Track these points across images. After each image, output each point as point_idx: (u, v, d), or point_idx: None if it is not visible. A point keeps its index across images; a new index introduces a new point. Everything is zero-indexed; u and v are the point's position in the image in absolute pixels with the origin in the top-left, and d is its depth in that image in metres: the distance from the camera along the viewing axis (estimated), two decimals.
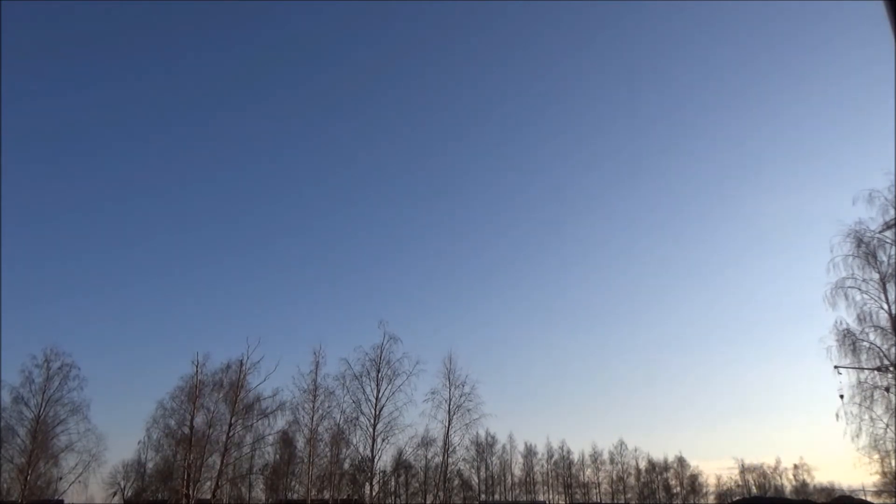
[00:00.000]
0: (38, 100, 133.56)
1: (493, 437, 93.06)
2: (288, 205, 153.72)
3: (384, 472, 57.86)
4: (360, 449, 41.51)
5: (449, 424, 42.04)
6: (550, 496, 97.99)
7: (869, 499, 52.46)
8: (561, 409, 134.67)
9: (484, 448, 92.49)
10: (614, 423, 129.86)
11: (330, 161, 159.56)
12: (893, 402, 27.88)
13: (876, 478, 36.27)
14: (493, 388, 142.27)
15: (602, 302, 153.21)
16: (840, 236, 29.70)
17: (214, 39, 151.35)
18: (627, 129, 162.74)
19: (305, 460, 45.47)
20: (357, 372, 41.33)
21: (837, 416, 28.69)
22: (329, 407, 43.09)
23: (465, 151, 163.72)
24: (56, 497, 46.46)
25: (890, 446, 28.38)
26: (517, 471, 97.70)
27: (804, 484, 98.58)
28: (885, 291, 28.66)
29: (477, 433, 74.07)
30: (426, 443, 50.73)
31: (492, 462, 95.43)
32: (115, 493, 68.70)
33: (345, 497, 51.77)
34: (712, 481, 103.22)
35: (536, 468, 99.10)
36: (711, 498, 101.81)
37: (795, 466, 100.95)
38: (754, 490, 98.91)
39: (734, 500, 69.72)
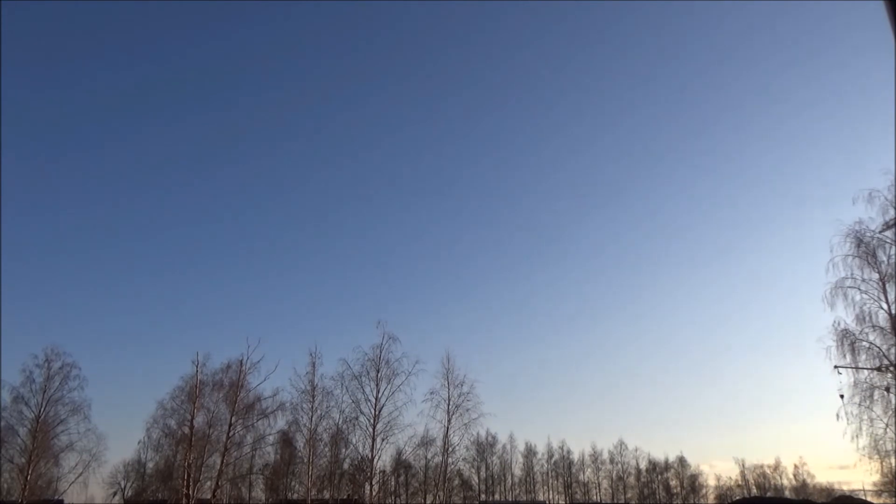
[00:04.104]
0: (37, 97, 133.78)
1: (493, 437, 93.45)
2: (287, 204, 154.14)
3: (384, 471, 57.88)
4: (360, 449, 41.32)
5: (448, 424, 41.85)
6: (550, 496, 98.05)
7: (869, 499, 52.34)
8: (561, 409, 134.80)
9: (484, 448, 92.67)
10: (614, 423, 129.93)
11: (329, 160, 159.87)
12: (893, 402, 27.84)
13: (876, 478, 36.30)
14: (493, 387, 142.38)
15: (602, 302, 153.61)
16: (840, 236, 29.55)
17: (212, 36, 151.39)
18: (628, 130, 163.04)
19: (305, 460, 45.44)
20: (356, 372, 41.12)
21: (837, 416, 28.59)
22: (328, 407, 43.02)
23: (465, 151, 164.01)
24: (56, 497, 46.40)
25: (890, 446, 28.29)
26: (517, 470, 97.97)
27: (804, 484, 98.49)
28: (884, 291, 28.57)
29: (477, 433, 74.20)
30: (426, 443, 50.45)
31: (492, 462, 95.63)
32: (115, 493, 69.02)
33: (345, 497, 51.71)
34: (712, 481, 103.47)
35: (536, 468, 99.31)
36: (711, 498, 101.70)
37: (795, 466, 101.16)
38: (754, 490, 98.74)
39: (734, 500, 69.65)
